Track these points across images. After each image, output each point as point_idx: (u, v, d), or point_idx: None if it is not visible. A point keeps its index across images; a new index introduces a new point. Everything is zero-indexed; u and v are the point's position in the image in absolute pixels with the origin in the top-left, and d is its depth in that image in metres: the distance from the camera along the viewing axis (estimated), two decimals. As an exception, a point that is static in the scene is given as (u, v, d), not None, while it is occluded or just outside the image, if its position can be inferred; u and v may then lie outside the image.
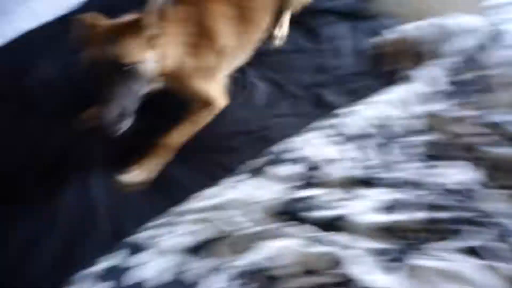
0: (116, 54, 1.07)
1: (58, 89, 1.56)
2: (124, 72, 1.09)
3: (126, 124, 1.15)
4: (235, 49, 1.53)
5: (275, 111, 1.52)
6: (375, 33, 1.83)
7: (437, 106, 1.38)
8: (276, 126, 1.44)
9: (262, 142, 1.35)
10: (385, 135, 1.29)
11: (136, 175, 1.22)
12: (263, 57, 1.75)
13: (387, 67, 1.69)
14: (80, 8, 1.92)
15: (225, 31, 1.47)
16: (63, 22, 1.75)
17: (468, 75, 1.45)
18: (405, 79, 1.58)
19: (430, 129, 1.30)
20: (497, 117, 1.25)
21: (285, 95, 1.59)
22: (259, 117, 1.48)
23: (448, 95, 1.43)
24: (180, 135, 1.34)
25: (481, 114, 1.28)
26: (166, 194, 1.23)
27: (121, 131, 1.15)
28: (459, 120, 1.30)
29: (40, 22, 1.87)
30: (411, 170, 1.16)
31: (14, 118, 1.48)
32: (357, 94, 1.53)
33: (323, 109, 1.49)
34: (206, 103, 1.40)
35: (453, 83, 1.47)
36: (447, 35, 1.70)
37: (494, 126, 1.24)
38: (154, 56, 1.17)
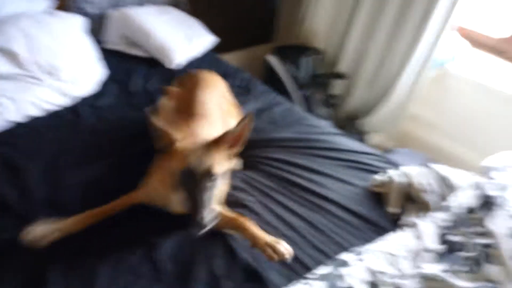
0: (209, 166, 1.24)
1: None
2: (213, 180, 1.25)
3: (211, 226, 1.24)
4: None
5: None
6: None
7: (430, 268, 1.29)
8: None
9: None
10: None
11: None
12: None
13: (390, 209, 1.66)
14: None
15: None
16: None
17: (466, 238, 1.39)
18: (406, 227, 1.53)
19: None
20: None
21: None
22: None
23: (441, 256, 1.35)
24: None
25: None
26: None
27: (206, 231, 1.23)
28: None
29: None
30: None
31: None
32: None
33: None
34: None
35: (445, 242, 1.40)
36: (449, 188, 1.68)
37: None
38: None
